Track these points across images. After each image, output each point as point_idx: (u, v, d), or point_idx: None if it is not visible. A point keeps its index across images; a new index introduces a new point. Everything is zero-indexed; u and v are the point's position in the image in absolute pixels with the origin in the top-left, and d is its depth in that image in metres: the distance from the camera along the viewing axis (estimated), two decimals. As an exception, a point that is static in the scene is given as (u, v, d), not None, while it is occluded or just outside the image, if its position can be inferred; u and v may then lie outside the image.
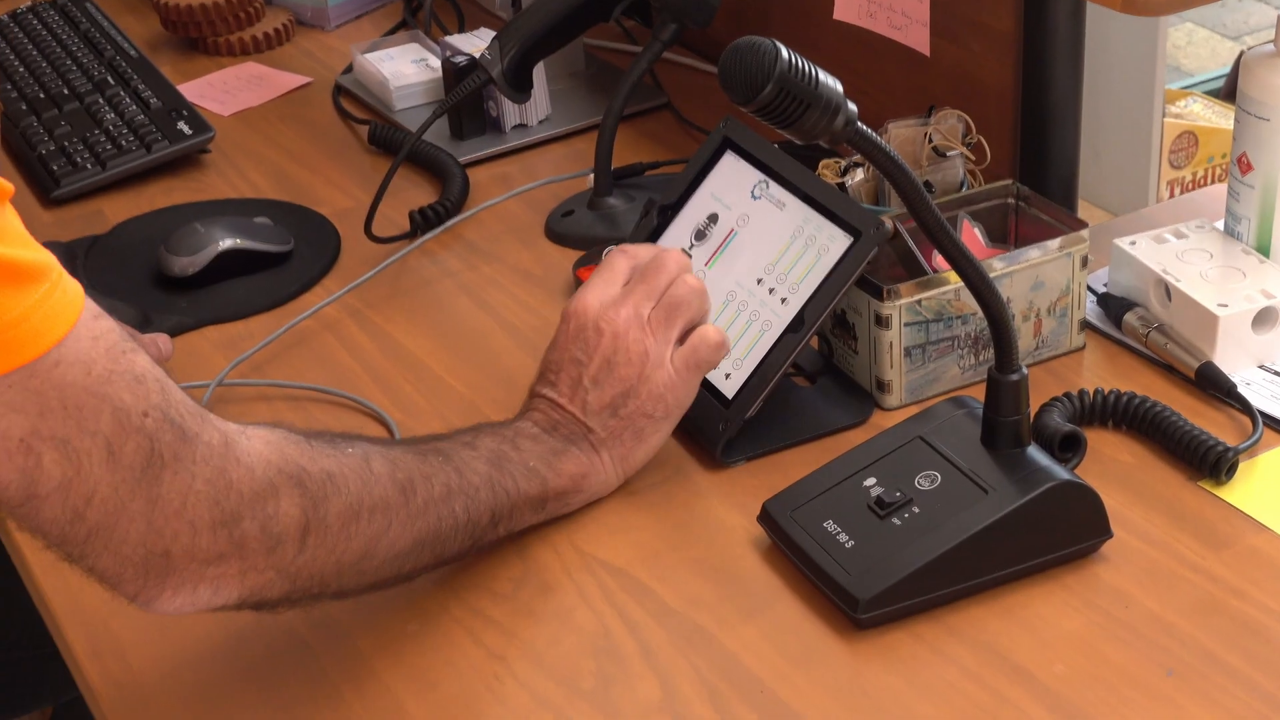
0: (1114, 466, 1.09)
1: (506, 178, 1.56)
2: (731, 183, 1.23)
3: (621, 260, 1.11)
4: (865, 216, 1.12)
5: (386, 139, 1.61)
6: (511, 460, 1.02)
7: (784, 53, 0.86)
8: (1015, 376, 1.00)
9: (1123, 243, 1.24)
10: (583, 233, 1.43)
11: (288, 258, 1.42)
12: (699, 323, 1.09)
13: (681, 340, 1.09)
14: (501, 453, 1.02)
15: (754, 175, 1.21)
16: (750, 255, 1.18)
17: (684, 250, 1.22)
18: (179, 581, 0.82)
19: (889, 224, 1.12)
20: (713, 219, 1.22)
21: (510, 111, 1.61)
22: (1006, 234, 1.26)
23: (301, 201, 1.53)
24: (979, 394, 1.04)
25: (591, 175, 1.44)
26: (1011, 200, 1.25)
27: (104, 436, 0.78)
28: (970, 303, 1.14)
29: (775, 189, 1.19)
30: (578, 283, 1.33)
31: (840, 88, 0.88)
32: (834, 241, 1.13)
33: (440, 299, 1.37)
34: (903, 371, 1.15)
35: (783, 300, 1.14)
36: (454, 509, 0.97)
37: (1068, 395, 1.12)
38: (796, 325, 1.12)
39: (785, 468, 1.11)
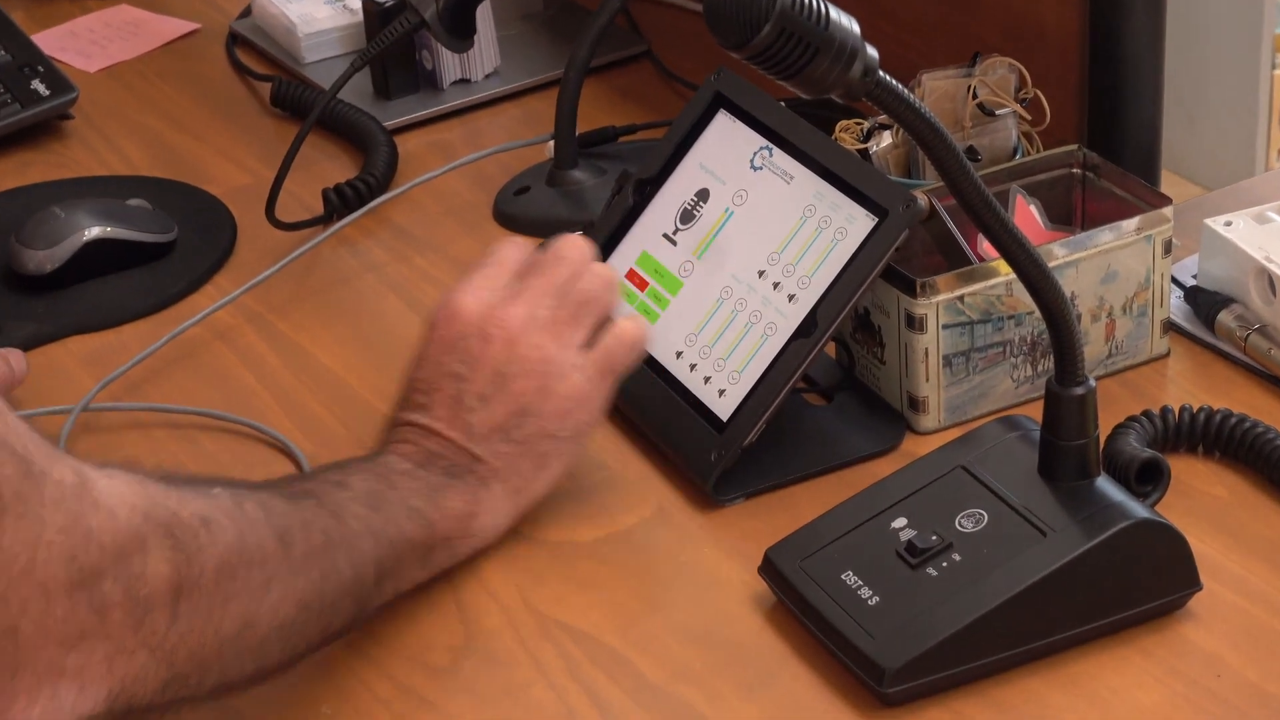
0: (1204, 502, 1.10)
1: (445, 146, 1.57)
2: (726, 150, 1.24)
3: (511, 251, 1.12)
4: (893, 192, 1.13)
5: (294, 99, 1.62)
6: (390, 501, 1.02)
7: (786, -16, 0.87)
8: (1080, 390, 1.01)
9: (1215, 224, 1.25)
10: (541, 214, 1.44)
11: (170, 249, 1.43)
12: (608, 319, 1.10)
13: (592, 344, 1.10)
14: (378, 493, 1.02)
15: (754, 140, 1.22)
16: (750, 241, 1.19)
17: (667, 235, 1.24)
18: (34, 680, 0.79)
19: (923, 201, 1.13)
20: (702, 196, 1.23)
21: (449, 64, 1.62)
22: (1071, 212, 1.27)
23: (188, 179, 1.54)
24: (1037, 413, 1.05)
25: (551, 143, 1.45)
26: (1077, 170, 1.26)
27: None
28: (1026, 299, 1.15)
29: (780, 157, 1.20)
30: (534, 277, 1.34)
31: (857, 28, 0.89)
32: (854, 223, 1.14)
33: (362, 299, 1.38)
34: (941, 386, 1.17)
35: (790, 297, 1.15)
36: (337, 564, 0.96)
37: (1147, 414, 1.13)
38: (808, 329, 1.14)
39: (794, 506, 1.12)
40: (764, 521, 1.11)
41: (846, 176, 1.16)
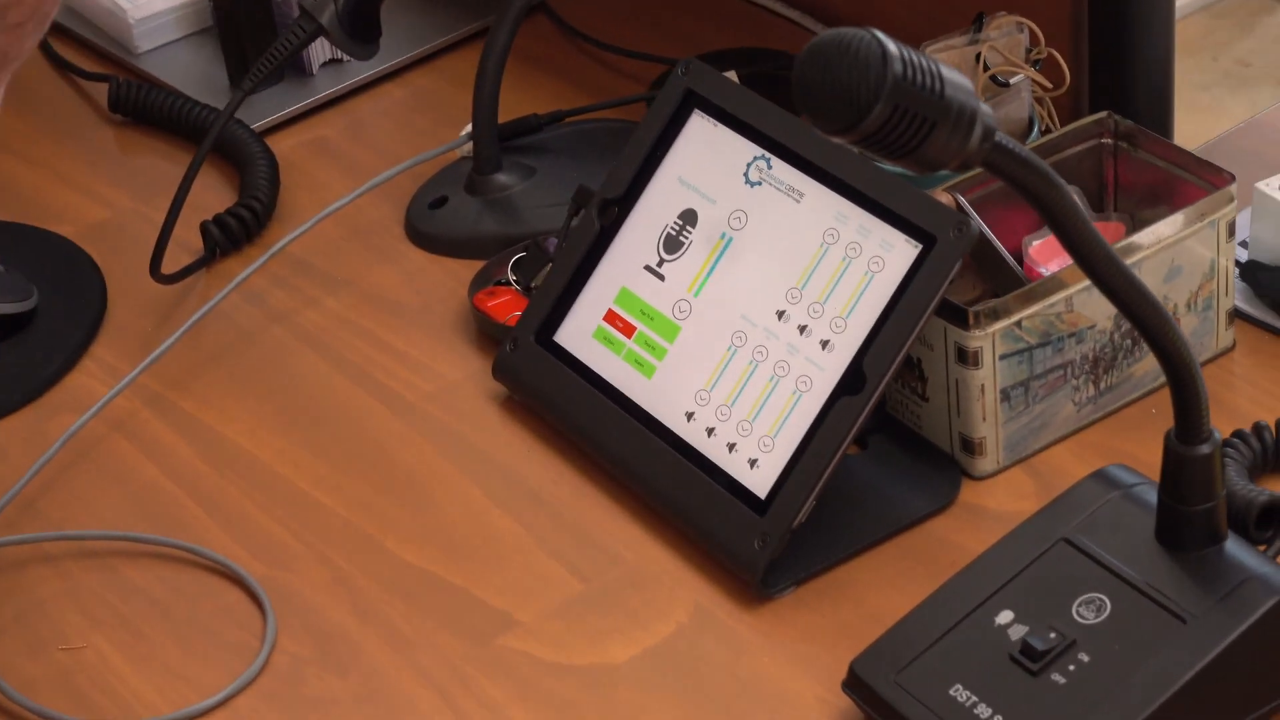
0: (1330, 540, 1.06)
1: (325, 146, 1.48)
2: (710, 161, 1.16)
3: None
4: (938, 212, 1.06)
5: (137, 102, 1.51)
6: None
7: (892, 48, 0.79)
8: (1206, 449, 0.95)
9: (1269, 188, 1.20)
10: (467, 231, 1.35)
11: (31, 318, 1.33)
12: None
13: None
14: None
15: (745, 149, 1.14)
16: (760, 274, 1.11)
17: (650, 268, 1.15)
18: None
19: (974, 220, 1.06)
20: (688, 219, 1.15)
21: (315, 44, 1.51)
22: (1101, 191, 1.22)
23: (31, 219, 1.44)
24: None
25: (470, 143, 1.35)
26: (1108, 140, 1.21)
27: None
28: (1088, 313, 1.10)
29: (783, 169, 1.12)
30: (477, 314, 1.25)
31: (969, 83, 0.81)
32: (891, 251, 1.06)
33: (274, 359, 1.28)
34: (999, 423, 1.10)
35: (824, 344, 1.07)
36: None
37: (1240, 435, 1.09)
38: (854, 383, 1.06)
39: (852, 588, 1.07)
40: (823, 614, 1.06)
41: (872, 192, 1.08)
